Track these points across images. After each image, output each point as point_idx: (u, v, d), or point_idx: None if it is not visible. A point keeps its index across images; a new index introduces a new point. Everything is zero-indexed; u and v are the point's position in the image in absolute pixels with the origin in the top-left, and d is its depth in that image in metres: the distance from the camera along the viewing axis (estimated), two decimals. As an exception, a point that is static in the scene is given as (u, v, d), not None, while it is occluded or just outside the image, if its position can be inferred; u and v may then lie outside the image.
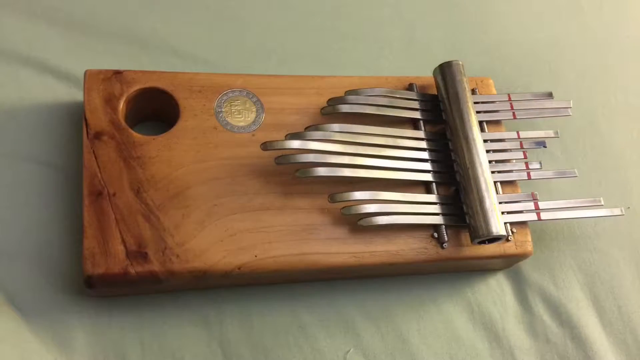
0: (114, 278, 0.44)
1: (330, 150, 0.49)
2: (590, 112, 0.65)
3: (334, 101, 0.52)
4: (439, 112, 0.55)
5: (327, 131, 0.50)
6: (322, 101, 0.53)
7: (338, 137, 0.50)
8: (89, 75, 0.49)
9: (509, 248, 0.53)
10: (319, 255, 0.48)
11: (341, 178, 0.50)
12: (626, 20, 0.71)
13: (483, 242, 0.51)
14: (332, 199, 0.49)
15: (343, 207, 0.49)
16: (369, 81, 0.55)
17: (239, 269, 0.47)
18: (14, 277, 0.47)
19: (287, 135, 0.49)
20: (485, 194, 0.51)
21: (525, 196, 0.54)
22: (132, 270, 0.45)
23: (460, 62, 0.55)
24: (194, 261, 0.46)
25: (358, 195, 0.49)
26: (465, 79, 0.54)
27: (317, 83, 0.54)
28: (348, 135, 0.51)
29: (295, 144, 0.49)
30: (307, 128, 0.50)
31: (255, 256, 0.47)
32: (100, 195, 0.46)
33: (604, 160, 0.63)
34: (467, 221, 0.51)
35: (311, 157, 0.49)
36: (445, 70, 0.54)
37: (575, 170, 0.56)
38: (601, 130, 0.64)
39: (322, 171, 0.49)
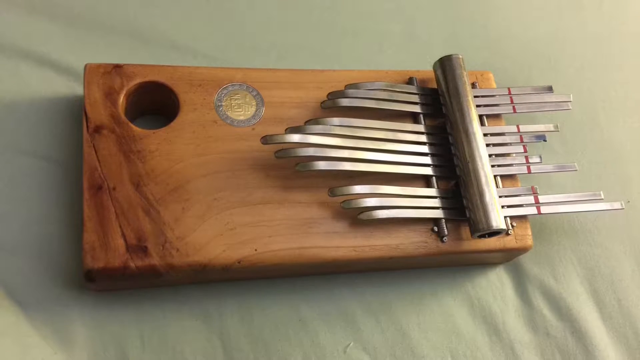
0: (114, 272, 0.44)
1: (330, 144, 0.49)
2: (590, 106, 0.65)
3: (334, 95, 0.52)
4: (439, 106, 0.55)
5: (327, 125, 0.50)
6: (322, 95, 0.53)
7: (338, 130, 0.50)
8: (89, 69, 0.49)
9: (508, 242, 0.53)
10: (318, 249, 0.48)
11: (341, 172, 0.50)
12: (626, 14, 0.71)
13: (483, 235, 0.51)
14: (332, 192, 0.49)
15: (343, 201, 0.49)
16: (369, 75, 0.55)
17: (238, 262, 0.47)
18: (14, 272, 0.47)
19: (287, 129, 0.49)
20: (485, 187, 0.51)
21: (525, 190, 0.54)
22: (132, 264, 0.45)
23: (460, 56, 0.54)
24: (194, 255, 0.46)
25: (358, 189, 0.49)
26: (465, 73, 0.54)
27: (317, 77, 0.54)
28: (348, 129, 0.51)
29: (295, 137, 0.49)
30: (307, 122, 0.50)
31: (255, 250, 0.47)
32: (100, 189, 0.46)
33: (604, 154, 0.63)
34: (467, 215, 0.51)
35: (311, 151, 0.49)
36: (445, 64, 0.54)
37: (575, 164, 0.56)
38: (601, 125, 0.64)
39: (322, 165, 0.49)
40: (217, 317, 0.49)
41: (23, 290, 0.47)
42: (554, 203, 0.54)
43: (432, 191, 0.52)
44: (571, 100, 0.58)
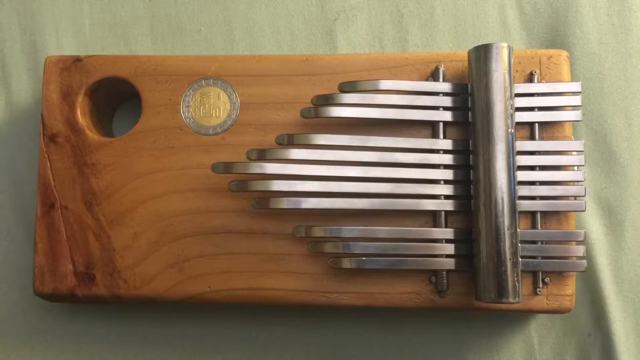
0: (62, 298, 0.43)
1: (301, 175, 0.40)
2: None
3: (320, 100, 0.41)
4: (467, 110, 0.41)
5: (297, 151, 0.40)
6: (315, 91, 0.42)
7: (319, 153, 0.40)
8: (49, 64, 0.44)
9: (535, 303, 0.40)
10: (283, 292, 0.41)
11: (308, 211, 0.41)
12: None
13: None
14: (295, 232, 0.40)
15: (311, 243, 0.40)
16: (379, 60, 0.42)
17: (190, 299, 0.42)
18: None
19: (248, 151, 0.40)
20: (502, 236, 0.38)
21: (576, 235, 0.40)
22: (79, 293, 0.42)
23: (505, 45, 0.39)
24: (142, 288, 0.42)
25: (328, 231, 0.40)
26: (507, 65, 0.39)
27: (312, 66, 0.43)
28: (333, 150, 0.40)
29: (255, 167, 0.40)
30: (278, 137, 0.40)
31: (209, 287, 0.42)
32: (53, 207, 0.43)
33: None
34: (474, 266, 0.39)
35: (275, 186, 0.40)
36: (481, 54, 0.39)
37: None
38: None
39: (284, 203, 0.40)
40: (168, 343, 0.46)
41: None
42: (613, 258, 0.40)
43: (432, 232, 0.40)
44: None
